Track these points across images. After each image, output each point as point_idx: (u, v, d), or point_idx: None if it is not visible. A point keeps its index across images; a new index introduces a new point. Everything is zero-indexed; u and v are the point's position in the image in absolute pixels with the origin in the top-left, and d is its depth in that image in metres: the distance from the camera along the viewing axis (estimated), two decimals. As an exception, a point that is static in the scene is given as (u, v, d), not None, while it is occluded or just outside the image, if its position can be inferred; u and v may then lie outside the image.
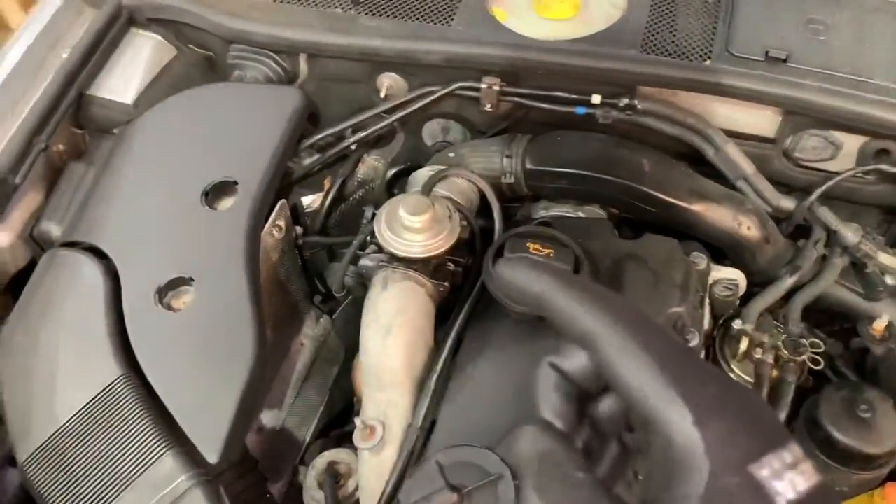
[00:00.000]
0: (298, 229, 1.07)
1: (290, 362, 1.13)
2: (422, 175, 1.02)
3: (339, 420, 1.23)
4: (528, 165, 1.01)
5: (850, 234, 0.98)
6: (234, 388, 0.82)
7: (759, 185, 1.01)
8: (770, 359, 0.95)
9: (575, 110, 1.02)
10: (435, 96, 1.04)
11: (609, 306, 0.40)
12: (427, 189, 0.95)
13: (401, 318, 0.88)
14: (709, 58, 1.00)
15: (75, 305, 0.91)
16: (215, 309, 0.88)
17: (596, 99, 1.00)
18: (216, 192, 0.97)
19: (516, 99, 1.04)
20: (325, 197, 1.11)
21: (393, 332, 0.87)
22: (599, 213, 1.03)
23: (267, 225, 0.98)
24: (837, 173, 1.02)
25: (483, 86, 1.03)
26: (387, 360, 0.87)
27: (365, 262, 0.94)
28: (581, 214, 1.02)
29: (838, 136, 0.98)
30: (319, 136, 1.08)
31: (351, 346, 1.21)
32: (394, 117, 1.07)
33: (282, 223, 1.02)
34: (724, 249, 1.00)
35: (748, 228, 0.97)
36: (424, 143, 1.18)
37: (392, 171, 1.10)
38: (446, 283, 0.92)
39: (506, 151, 1.01)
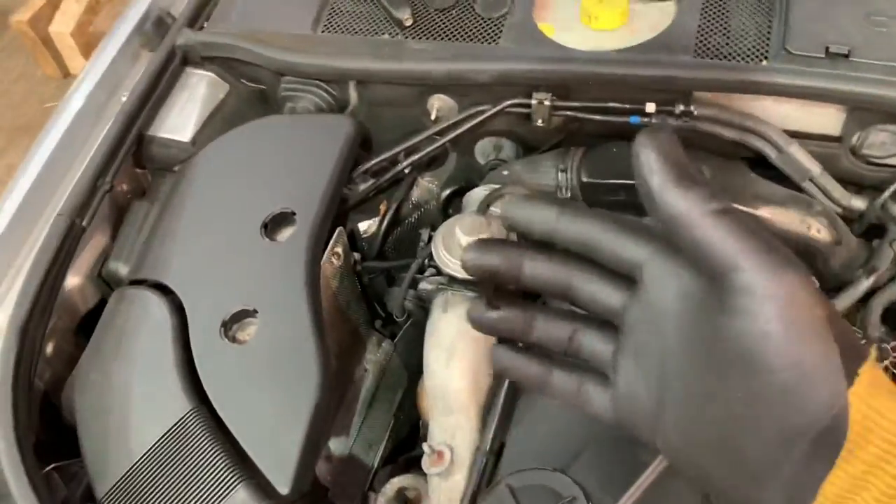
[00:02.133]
0: (356, 255, 1.07)
1: (354, 389, 1.13)
2: (476, 195, 1.01)
3: (406, 445, 1.23)
4: (584, 179, 0.99)
5: (928, 232, 0.94)
6: (301, 418, 0.82)
7: (827, 186, 0.98)
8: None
9: (629, 120, 1.00)
10: (486, 115, 1.04)
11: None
12: (482, 208, 0.94)
13: (463, 341, 0.88)
14: (765, 58, 0.97)
15: (144, 342, 0.93)
16: (279, 339, 0.89)
17: (650, 107, 0.98)
18: (275, 223, 0.98)
19: (568, 113, 1.02)
20: (382, 221, 1.11)
21: (456, 355, 0.87)
22: (659, 223, 1.00)
23: (326, 253, 0.98)
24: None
25: (534, 102, 1.02)
26: (452, 384, 0.86)
27: (424, 285, 0.93)
28: (641, 226, 1.00)
29: (908, 129, 0.94)
30: (373, 161, 1.09)
31: (414, 370, 1.20)
32: (445, 138, 1.07)
33: (340, 250, 1.03)
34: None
35: (818, 231, 0.94)
36: (478, 162, 1.18)
37: (446, 192, 1.10)
38: (508, 303, 0.91)
39: (560, 166, 1.00)
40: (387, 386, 1.21)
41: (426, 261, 0.96)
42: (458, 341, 0.87)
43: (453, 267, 0.89)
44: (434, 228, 1.05)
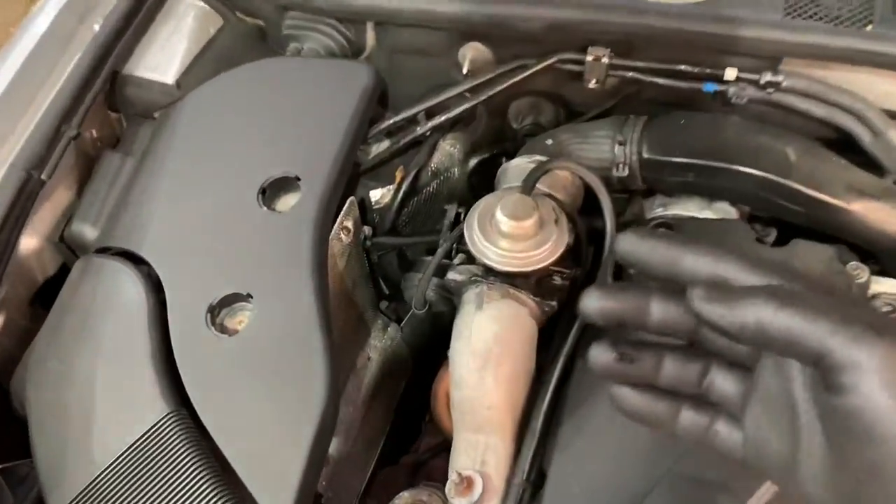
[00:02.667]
0: (367, 230, 0.91)
1: (356, 380, 0.99)
2: (516, 167, 0.85)
3: (405, 442, 1.09)
4: (646, 154, 0.84)
5: None
6: (304, 430, 0.68)
7: (926, 178, 0.83)
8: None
9: (702, 87, 0.84)
10: (530, 71, 0.87)
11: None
12: (529, 186, 0.78)
13: (501, 346, 0.73)
14: (870, 22, 0.81)
15: (114, 325, 0.77)
16: (278, 332, 0.74)
17: (731, 74, 0.82)
18: (275, 189, 0.82)
19: (629, 74, 0.86)
20: (398, 190, 0.95)
21: (492, 363, 0.72)
22: (730, 211, 0.86)
23: (334, 227, 0.83)
24: None
25: (589, 58, 0.86)
26: (485, 397, 0.72)
27: (453, 275, 0.78)
28: (709, 214, 0.85)
29: None
30: (391, 121, 0.92)
31: (419, 357, 1.06)
32: (479, 98, 0.91)
33: (350, 224, 0.87)
34: (878, 255, 0.82)
35: (917, 232, 0.80)
36: (510, 126, 1.02)
37: (473, 161, 0.94)
38: (553, 303, 0.77)
39: (618, 137, 0.85)
40: (390, 376, 1.07)
41: (454, 245, 0.81)
42: (495, 346, 0.73)
43: (492, 256, 0.74)
44: (454, 201, 0.90)
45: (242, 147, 0.85)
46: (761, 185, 0.80)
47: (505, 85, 0.90)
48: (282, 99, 0.87)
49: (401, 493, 0.84)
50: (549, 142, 0.87)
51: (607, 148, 0.85)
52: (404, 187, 0.95)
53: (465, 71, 0.93)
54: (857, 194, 0.79)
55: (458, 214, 0.88)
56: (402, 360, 1.06)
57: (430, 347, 1.12)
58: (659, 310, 0.40)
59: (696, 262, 0.39)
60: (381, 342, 1.03)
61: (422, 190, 1.00)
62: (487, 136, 1.02)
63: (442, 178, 1.03)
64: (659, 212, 0.87)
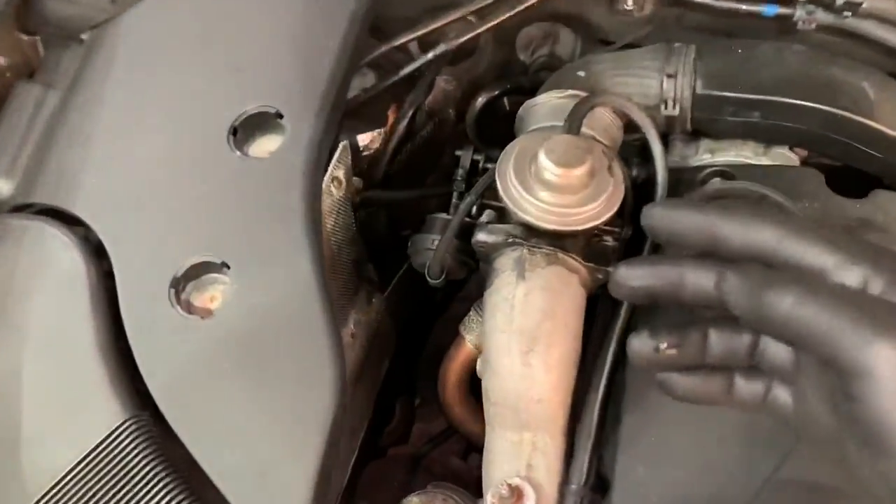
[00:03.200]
0: (358, 182, 0.75)
1: (340, 361, 0.83)
2: (546, 104, 0.70)
3: (380, 427, 0.95)
4: (701, 90, 0.70)
5: None
6: (311, 440, 0.53)
7: None
8: None
9: (760, 10, 0.71)
10: (555, -12, 0.72)
11: None
12: (576, 125, 0.64)
13: (552, 324, 0.59)
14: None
15: (44, 307, 0.59)
16: (268, 311, 0.57)
17: (802, -8, 0.69)
18: (249, 128, 0.65)
19: (676, -7, 0.72)
20: (391, 134, 0.79)
21: (541, 345, 0.58)
22: (791, 157, 0.73)
23: (325, 178, 0.66)
24: None
25: (630, -27, 0.71)
26: (533, 388, 0.58)
27: (483, 236, 0.63)
28: (765, 161, 0.73)
29: None
30: (380, 49, 0.76)
31: (404, 330, 0.92)
32: (488, 23, 0.75)
33: (341, 174, 0.70)
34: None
35: None
36: (517, 58, 0.86)
37: (483, 99, 0.78)
38: (608, 268, 0.63)
39: (667, 69, 0.70)
40: (375, 354, 0.92)
41: (474, 197, 0.66)
42: (545, 323, 0.58)
43: (534, 212, 0.59)
44: (471, 148, 0.75)
45: (204, 75, 0.67)
46: (835, 125, 0.68)
47: (522, 7, 0.74)
48: (254, 15, 0.69)
49: (408, 499, 0.69)
50: (582, 73, 0.73)
51: (654, 82, 0.71)
52: (399, 131, 0.79)
53: (474, -13, 0.76)
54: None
55: (474, 162, 0.73)
56: (387, 336, 0.91)
57: (415, 318, 0.98)
58: (695, 283, 0.38)
59: (734, 233, 0.37)
60: (365, 315, 0.87)
61: (416, 135, 0.84)
62: (490, 70, 0.86)
63: (437, 120, 0.87)
64: (706, 159, 0.74)
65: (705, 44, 0.73)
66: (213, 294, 0.60)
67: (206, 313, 0.59)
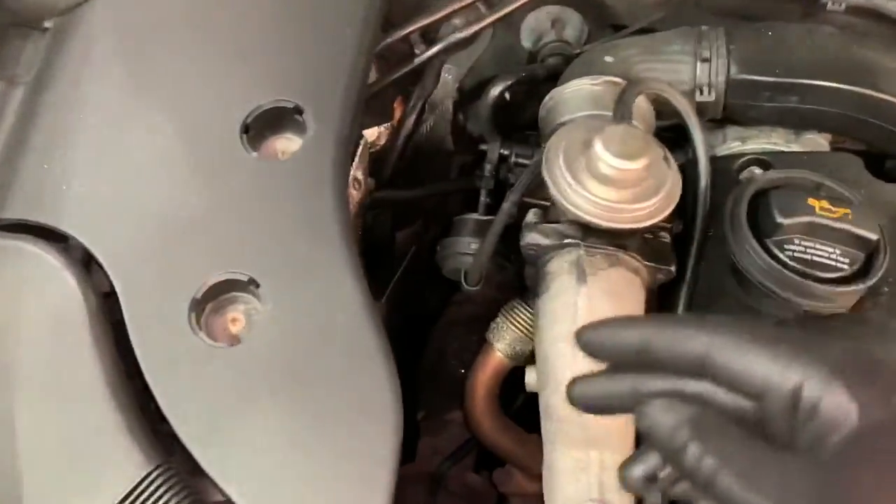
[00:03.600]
0: (371, 181, 0.68)
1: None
2: (578, 91, 0.65)
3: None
4: (735, 75, 0.67)
5: None
6: (378, 481, 0.46)
7: None
8: None
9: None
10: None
11: None
12: (628, 113, 0.59)
13: (619, 331, 0.54)
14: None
15: (38, 342, 0.50)
16: (308, 333, 0.50)
17: (833, -31, 0.66)
18: (262, 125, 0.57)
19: (701, -28, 0.68)
20: (399, 129, 0.72)
21: (609, 355, 0.53)
22: (822, 144, 0.71)
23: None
24: None
25: (655, -49, 0.67)
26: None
27: (534, 237, 0.57)
28: (796, 148, 0.70)
29: None
30: (388, 38, 0.69)
31: (400, 336, 0.86)
32: (500, 11, 0.70)
33: (360, 175, 0.64)
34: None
35: None
36: (520, 45, 0.81)
37: (499, 88, 0.72)
38: (671, 268, 0.58)
39: (701, 53, 0.67)
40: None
41: (519, 194, 0.60)
42: (613, 332, 0.53)
43: (591, 209, 0.54)
44: (498, 140, 0.69)
45: (206, 64, 0.59)
46: (874, 109, 0.66)
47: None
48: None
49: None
50: (609, 59, 0.68)
51: (687, 67, 0.67)
52: (408, 125, 0.73)
53: (489, -33, 0.71)
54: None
55: (502, 156, 0.67)
56: (384, 346, 0.84)
57: (411, 324, 0.92)
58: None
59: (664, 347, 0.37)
60: (366, 326, 0.81)
61: (419, 129, 0.78)
62: (492, 58, 0.81)
63: (437, 112, 0.81)
64: (736, 147, 0.70)
65: (733, 27, 0.69)
66: (235, 316, 0.53)
67: (232, 339, 0.51)
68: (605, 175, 0.54)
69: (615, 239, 0.56)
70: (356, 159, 0.61)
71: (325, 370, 0.49)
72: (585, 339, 0.40)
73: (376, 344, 0.50)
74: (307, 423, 0.48)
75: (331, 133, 0.55)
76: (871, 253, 0.56)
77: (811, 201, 0.56)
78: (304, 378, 0.49)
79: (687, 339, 0.36)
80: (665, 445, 0.35)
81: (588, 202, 0.55)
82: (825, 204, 0.55)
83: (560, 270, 0.56)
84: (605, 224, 0.55)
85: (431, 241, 0.89)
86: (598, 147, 0.54)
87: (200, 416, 0.48)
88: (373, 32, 0.60)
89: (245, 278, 0.51)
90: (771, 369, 0.33)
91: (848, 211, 0.55)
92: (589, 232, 0.56)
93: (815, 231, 0.55)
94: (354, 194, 0.62)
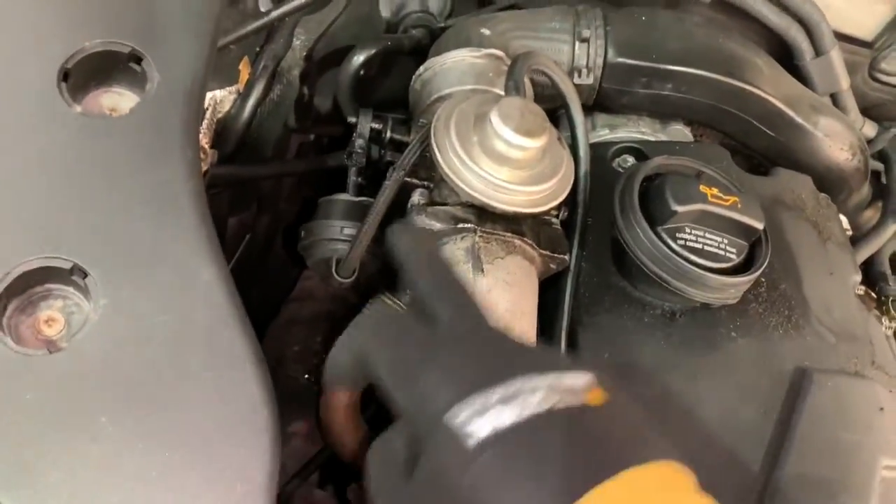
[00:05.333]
0: (212, 153, 0.57)
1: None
2: (460, 63, 0.59)
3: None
4: (613, 58, 0.64)
5: (950, 168, 0.80)
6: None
7: (848, 104, 0.78)
8: (891, 331, 0.73)
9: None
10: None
11: None
12: (522, 85, 0.53)
13: (518, 325, 0.49)
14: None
15: None
16: (156, 334, 0.39)
17: (705, -41, 0.66)
18: (86, 72, 0.45)
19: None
20: (247, 95, 0.62)
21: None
22: (687, 135, 0.71)
23: (194, 145, 0.49)
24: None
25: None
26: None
27: (425, 220, 0.50)
28: (663, 137, 0.69)
29: (944, 44, 0.78)
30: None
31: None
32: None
33: (206, 142, 0.53)
34: (818, 186, 0.74)
35: (857, 160, 0.73)
36: (378, 14, 0.73)
37: (361, 58, 0.64)
38: (563, 256, 0.54)
39: (581, 33, 0.63)
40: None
41: (404, 172, 0.52)
42: (513, 325, 0.48)
43: (488, 191, 0.49)
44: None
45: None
46: (740, 100, 0.66)
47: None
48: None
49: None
50: (487, 32, 0.63)
51: (566, 46, 0.63)
52: (257, 90, 0.63)
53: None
54: (818, 116, 0.70)
55: (374, 131, 0.59)
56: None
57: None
58: None
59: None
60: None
61: (268, 96, 0.68)
62: (347, 26, 0.72)
63: (285, 81, 0.71)
64: (605, 134, 0.68)
65: (608, 9, 0.67)
66: (51, 315, 0.41)
67: (49, 345, 0.39)
68: (501, 153, 0.49)
69: (513, 224, 0.51)
70: (203, 124, 0.50)
71: (178, 382, 0.39)
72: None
73: (245, 347, 0.40)
74: (158, 451, 0.37)
75: (180, 86, 0.45)
76: (753, 243, 0.56)
77: (703, 188, 0.54)
78: (152, 393, 0.38)
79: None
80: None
81: (483, 182, 0.49)
82: (715, 191, 0.54)
83: (455, 258, 0.50)
84: (501, 207, 0.49)
85: (265, 229, 0.79)
86: (496, 121, 0.48)
87: (5, 448, 0.35)
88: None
89: (67, 266, 0.39)
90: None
91: (737, 199, 0.54)
92: (484, 215, 0.50)
93: (705, 219, 0.54)
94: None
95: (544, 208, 0.50)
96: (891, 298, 0.76)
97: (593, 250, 0.58)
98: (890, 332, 0.74)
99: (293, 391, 0.74)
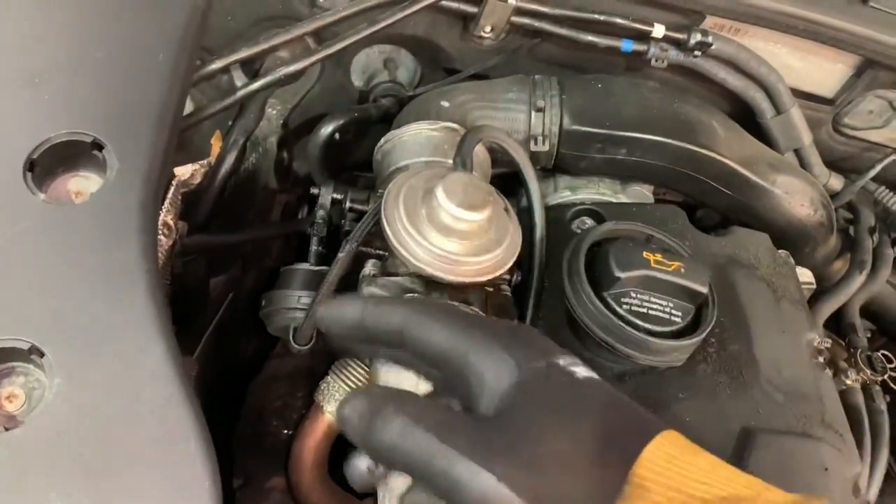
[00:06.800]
0: (182, 225, 0.61)
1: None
2: (417, 135, 0.62)
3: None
4: (568, 126, 0.67)
5: (917, 218, 0.82)
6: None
7: (811, 159, 0.80)
8: (859, 383, 0.74)
9: (621, 45, 0.70)
10: (415, 8, 0.65)
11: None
12: (469, 161, 0.56)
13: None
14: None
15: None
16: (107, 411, 0.42)
17: (659, 31, 0.69)
18: (51, 162, 0.48)
19: (535, 23, 0.68)
20: (218, 168, 0.65)
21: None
22: (647, 196, 0.73)
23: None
24: (884, 146, 0.84)
25: (491, -3, 0.66)
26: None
27: (374, 290, 0.53)
28: (623, 198, 0.71)
29: (905, 98, 0.80)
30: (207, 69, 0.62)
31: (214, 394, 0.78)
32: (333, 46, 0.65)
33: (171, 218, 0.56)
34: (779, 241, 0.76)
35: (820, 215, 0.75)
36: (351, 83, 0.77)
37: (330, 127, 0.68)
38: (511, 321, 0.56)
39: (536, 103, 0.66)
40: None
41: (357, 244, 0.55)
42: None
43: (435, 263, 0.51)
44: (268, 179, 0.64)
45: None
46: (693, 162, 0.69)
47: (370, 30, 0.65)
48: (55, 5, 0.52)
49: None
50: (446, 104, 0.66)
51: (522, 115, 0.66)
52: (227, 163, 0.66)
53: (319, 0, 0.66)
54: (777, 174, 0.72)
55: (335, 201, 0.62)
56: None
57: (226, 380, 0.84)
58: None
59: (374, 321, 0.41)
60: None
61: (240, 167, 0.71)
62: (321, 96, 0.76)
63: (260, 150, 0.75)
64: (567, 196, 0.71)
65: (565, 77, 0.70)
66: (12, 392, 0.43)
67: (9, 420, 0.42)
68: (447, 226, 0.51)
69: (458, 293, 0.53)
70: (166, 202, 0.53)
71: (128, 456, 0.41)
72: (318, 316, 0.43)
73: (190, 423, 0.42)
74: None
75: (137, 172, 0.48)
76: (699, 306, 0.57)
77: (646, 255, 0.56)
78: (103, 467, 0.41)
79: (389, 313, 0.40)
80: (356, 434, 0.37)
81: (430, 254, 0.51)
82: (659, 257, 0.56)
83: (401, 329, 0.52)
84: (447, 278, 0.51)
85: (251, 286, 0.82)
86: (440, 196, 0.51)
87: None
88: (188, 59, 0.53)
89: (25, 346, 0.42)
90: (446, 340, 0.38)
91: (680, 264, 0.56)
92: (431, 286, 0.53)
93: (650, 284, 0.56)
94: (164, 241, 0.55)
95: (489, 277, 0.52)
96: (859, 351, 0.76)
97: (549, 312, 0.60)
98: (857, 385, 0.74)
99: (273, 446, 0.76)
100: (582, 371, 0.37)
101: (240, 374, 0.87)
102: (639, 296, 0.56)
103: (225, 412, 0.83)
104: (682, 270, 0.56)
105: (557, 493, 0.33)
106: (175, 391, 0.43)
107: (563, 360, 0.38)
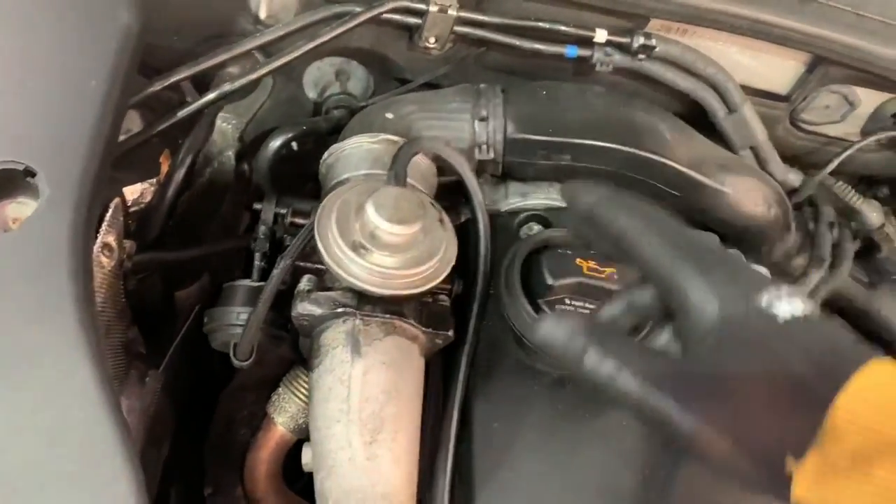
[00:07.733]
0: (129, 245, 0.62)
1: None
2: (358, 149, 0.63)
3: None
4: (512, 134, 0.67)
5: (874, 213, 0.81)
6: None
7: (768, 155, 0.80)
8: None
9: (565, 51, 0.70)
10: (355, 23, 0.65)
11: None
12: (403, 174, 0.57)
13: (395, 405, 0.52)
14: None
15: None
16: (32, 434, 0.43)
17: (601, 36, 0.69)
18: (-14, 189, 0.49)
19: (478, 32, 0.69)
20: (166, 185, 0.66)
21: (385, 433, 0.51)
22: (598, 199, 0.73)
23: (94, 247, 0.53)
24: (843, 140, 0.84)
25: (433, 8, 0.66)
26: (380, 483, 0.50)
27: (307, 307, 0.54)
28: (574, 202, 0.72)
29: (860, 93, 0.80)
30: (152, 88, 0.63)
31: (183, 405, 0.79)
32: (279, 60, 0.66)
33: (112, 240, 0.57)
34: (735, 240, 0.76)
35: (775, 213, 0.75)
36: (304, 95, 0.78)
37: (278, 141, 0.68)
38: (448, 332, 0.57)
39: (479, 112, 0.67)
40: (151, 445, 0.77)
41: (291, 261, 0.56)
42: (389, 406, 0.51)
43: (365, 276, 0.52)
44: (273, 198, 0.65)
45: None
46: (639, 166, 0.69)
47: (315, 43, 0.66)
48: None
49: None
50: (390, 116, 0.66)
51: (466, 125, 0.67)
52: (175, 180, 0.67)
53: (262, 15, 0.67)
54: (728, 174, 0.72)
55: (278, 216, 0.63)
56: (164, 417, 0.77)
57: (195, 391, 0.85)
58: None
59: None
60: (139, 400, 0.73)
61: (194, 183, 0.72)
62: (275, 108, 0.77)
63: (216, 164, 0.76)
64: (517, 202, 0.71)
65: (510, 86, 0.70)
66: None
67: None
68: (378, 240, 0.52)
69: (392, 306, 0.54)
70: (105, 224, 0.54)
71: (53, 477, 0.42)
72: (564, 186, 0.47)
73: (116, 444, 0.44)
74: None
75: (68, 198, 0.49)
76: (638, 310, 0.58)
77: (579, 262, 0.56)
78: (28, 489, 0.42)
79: (615, 218, 0.43)
80: (562, 354, 0.39)
81: (361, 269, 0.52)
82: (592, 264, 0.56)
83: (334, 342, 0.53)
84: (379, 291, 0.52)
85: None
86: (371, 211, 0.52)
87: None
88: (122, 84, 0.54)
89: (-46, 373, 0.43)
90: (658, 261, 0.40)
91: (613, 270, 0.56)
92: (364, 300, 0.54)
93: (584, 291, 0.56)
94: (105, 262, 0.56)
95: (422, 289, 0.53)
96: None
97: (494, 320, 0.61)
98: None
99: (242, 455, 0.77)
100: (784, 309, 0.38)
101: (214, 383, 0.88)
102: (574, 302, 0.56)
103: (197, 421, 0.84)
104: (616, 276, 0.56)
105: (756, 436, 0.36)
106: (102, 411, 0.44)
107: (766, 299, 0.38)
